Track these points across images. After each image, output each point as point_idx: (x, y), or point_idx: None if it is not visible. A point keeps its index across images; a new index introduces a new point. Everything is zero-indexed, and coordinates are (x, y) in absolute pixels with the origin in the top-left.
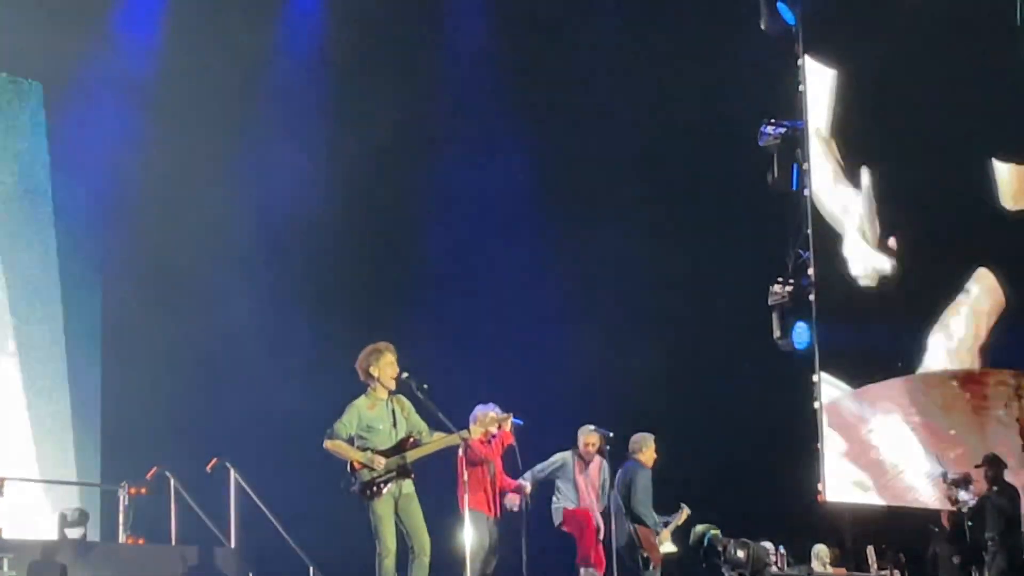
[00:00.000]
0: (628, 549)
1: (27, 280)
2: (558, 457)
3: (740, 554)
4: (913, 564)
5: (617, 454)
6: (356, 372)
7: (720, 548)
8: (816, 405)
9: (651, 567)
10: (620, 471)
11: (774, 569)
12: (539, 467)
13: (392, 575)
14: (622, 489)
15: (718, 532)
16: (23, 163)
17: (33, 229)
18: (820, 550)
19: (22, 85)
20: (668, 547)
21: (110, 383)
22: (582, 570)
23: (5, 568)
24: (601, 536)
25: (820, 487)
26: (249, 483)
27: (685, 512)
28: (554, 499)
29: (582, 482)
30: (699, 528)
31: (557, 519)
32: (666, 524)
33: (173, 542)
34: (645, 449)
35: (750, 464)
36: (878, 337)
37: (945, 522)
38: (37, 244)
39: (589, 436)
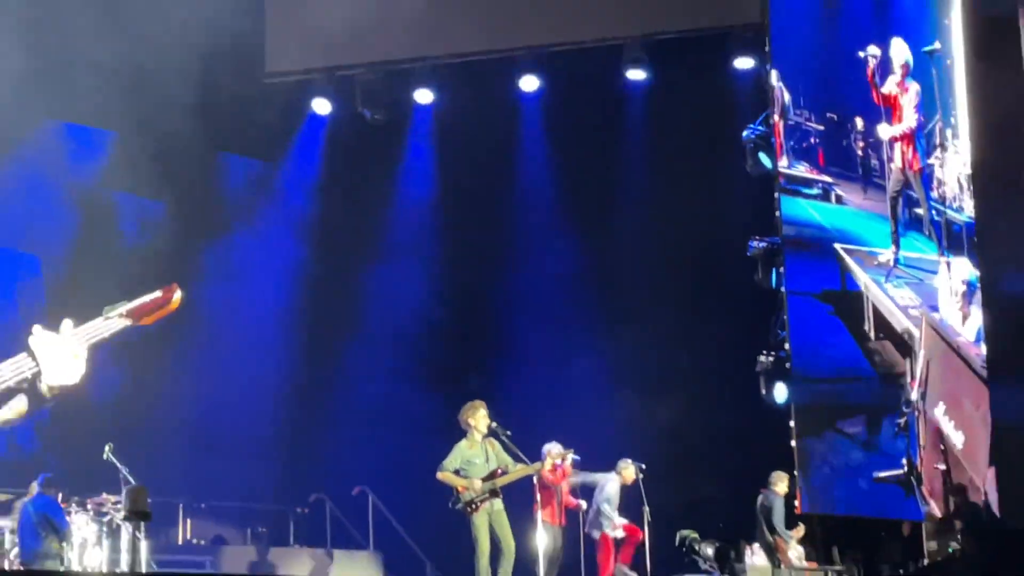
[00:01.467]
0: (768, 553)
1: None
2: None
3: (709, 551)
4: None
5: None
6: (458, 423)
7: (696, 547)
8: (792, 443)
9: (781, 566)
10: (760, 497)
11: (738, 565)
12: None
13: (487, 571)
14: (763, 512)
15: (696, 535)
16: None
17: None
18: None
19: None
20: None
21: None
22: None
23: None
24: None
25: (797, 502)
26: (384, 504)
27: (800, 528)
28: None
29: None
30: (682, 532)
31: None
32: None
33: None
34: (779, 483)
35: (748, 484)
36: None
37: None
38: None
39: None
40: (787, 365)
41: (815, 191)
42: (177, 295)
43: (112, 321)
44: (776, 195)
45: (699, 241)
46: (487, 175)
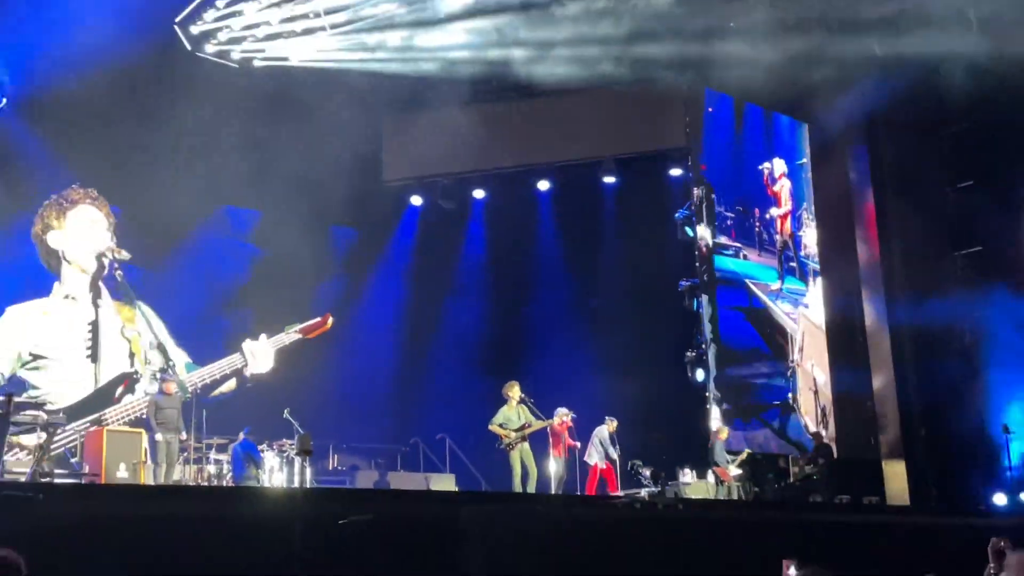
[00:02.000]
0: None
1: None
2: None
3: (647, 472)
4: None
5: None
6: (501, 394)
7: (639, 470)
8: (708, 407)
9: (722, 483)
10: (709, 442)
11: (671, 482)
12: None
13: (519, 486)
14: (711, 451)
15: (640, 462)
16: None
17: None
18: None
19: None
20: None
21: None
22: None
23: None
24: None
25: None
26: (456, 444)
27: (745, 452)
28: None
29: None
30: (631, 461)
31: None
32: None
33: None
34: (721, 432)
35: (680, 432)
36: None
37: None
38: None
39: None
40: (704, 358)
41: (731, 252)
42: (330, 320)
43: (290, 335)
44: (707, 255)
45: (649, 281)
46: (517, 243)
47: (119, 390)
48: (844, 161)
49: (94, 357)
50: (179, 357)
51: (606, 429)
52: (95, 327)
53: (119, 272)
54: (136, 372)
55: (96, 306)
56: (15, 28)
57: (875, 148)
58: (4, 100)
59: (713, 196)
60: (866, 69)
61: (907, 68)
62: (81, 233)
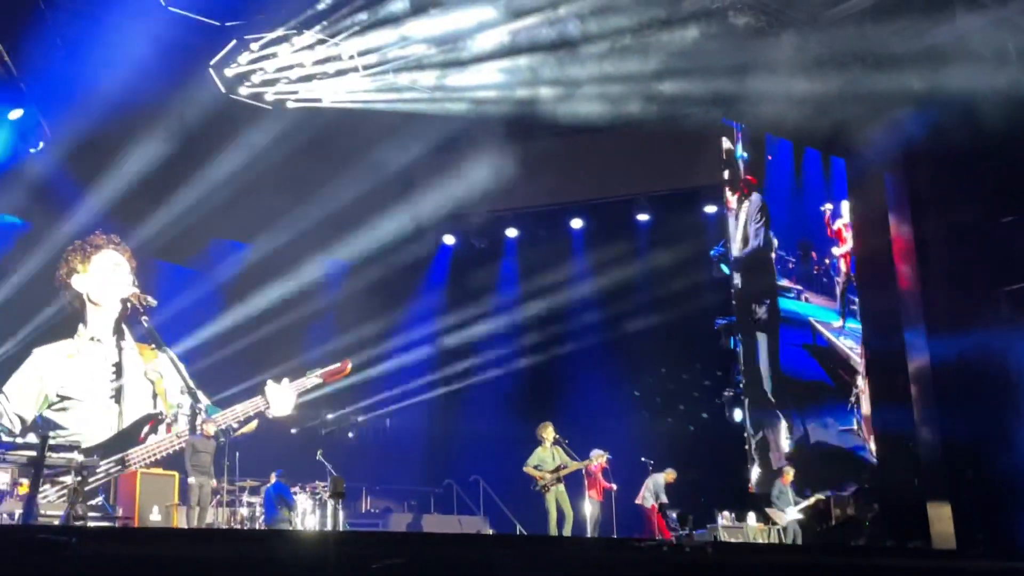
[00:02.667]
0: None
1: None
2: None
3: (673, 514)
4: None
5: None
6: (535, 436)
7: (666, 511)
8: (747, 447)
9: (772, 523)
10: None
11: (710, 525)
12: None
13: (555, 530)
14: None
15: (667, 502)
16: None
17: None
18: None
19: None
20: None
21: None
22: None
23: None
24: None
25: (750, 485)
26: (490, 487)
27: (815, 498)
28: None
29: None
30: (660, 503)
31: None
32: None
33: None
34: (787, 475)
35: (716, 471)
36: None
37: None
38: None
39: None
40: (742, 397)
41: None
42: (349, 367)
43: (311, 379)
44: (732, 290)
45: (684, 319)
46: (550, 279)
47: (144, 430)
48: (881, 196)
49: (118, 398)
50: (202, 399)
51: (663, 478)
52: (119, 368)
53: (145, 319)
54: (161, 413)
55: (120, 348)
56: (53, 72)
57: (913, 182)
58: (41, 144)
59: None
60: (903, 103)
61: (945, 101)
62: (105, 277)
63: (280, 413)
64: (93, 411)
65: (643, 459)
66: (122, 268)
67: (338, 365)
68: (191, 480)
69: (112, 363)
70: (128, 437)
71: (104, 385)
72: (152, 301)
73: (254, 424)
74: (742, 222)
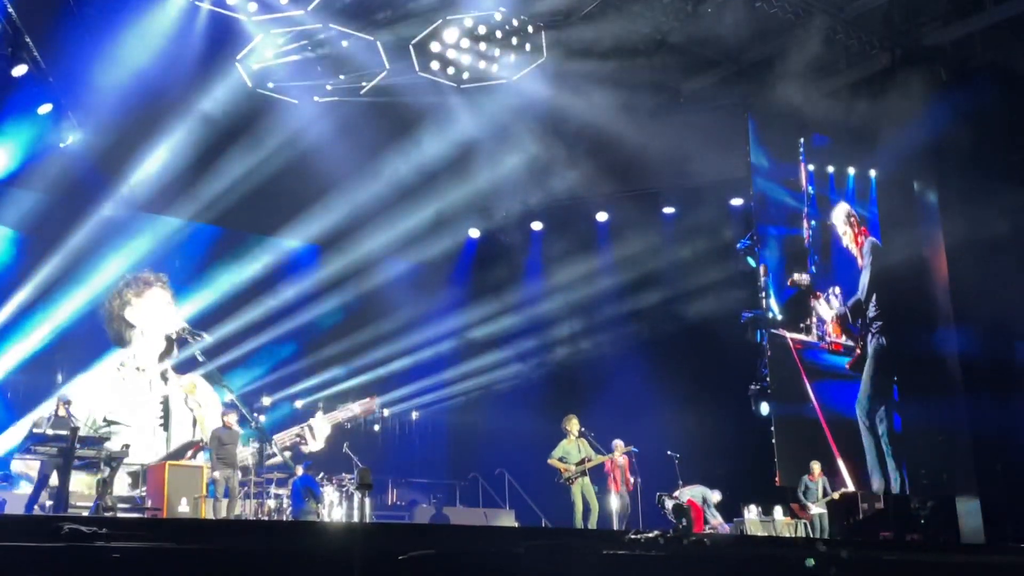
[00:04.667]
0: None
1: None
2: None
3: (669, 505)
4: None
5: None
6: (560, 428)
7: (663, 503)
8: (773, 441)
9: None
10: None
11: (736, 519)
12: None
13: (580, 522)
14: (801, 489)
15: (665, 494)
16: None
17: None
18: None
19: None
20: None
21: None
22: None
23: None
24: None
25: (777, 479)
26: (515, 479)
27: (838, 493)
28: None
29: None
30: (658, 494)
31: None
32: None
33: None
34: (814, 470)
35: (743, 465)
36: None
37: None
38: None
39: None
40: (768, 391)
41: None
42: (376, 404)
43: (344, 413)
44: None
45: (710, 312)
46: (575, 272)
47: (188, 454)
48: (912, 190)
49: (166, 426)
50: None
51: (713, 497)
52: (166, 399)
53: (200, 356)
54: (201, 440)
55: (165, 379)
56: (82, 68)
57: (943, 176)
58: (71, 138)
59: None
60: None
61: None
62: (157, 313)
63: (316, 448)
64: (141, 436)
65: (669, 452)
66: (171, 307)
67: (367, 400)
68: (216, 474)
69: (160, 393)
70: (173, 460)
71: (152, 412)
72: (208, 338)
73: (284, 456)
74: None
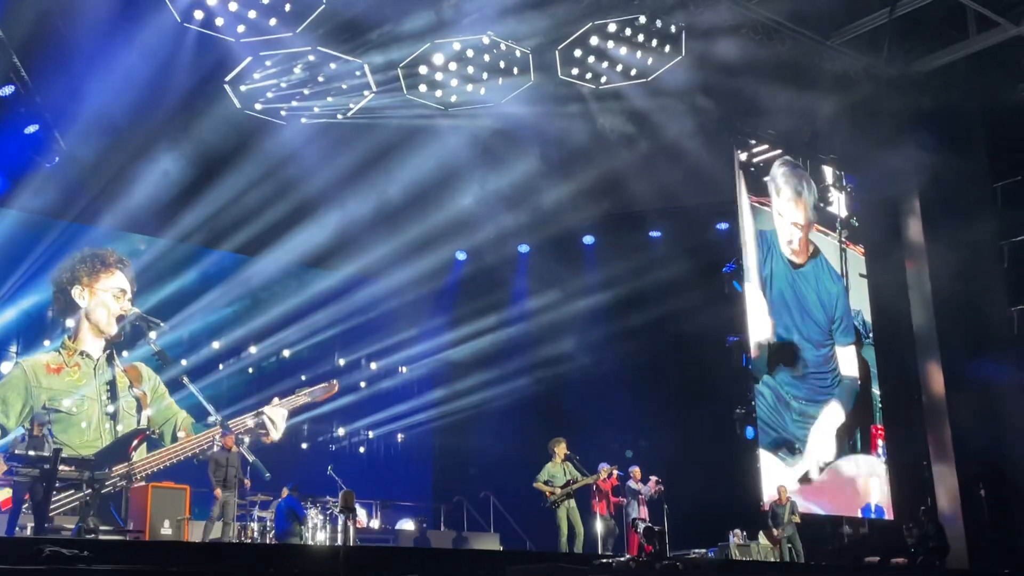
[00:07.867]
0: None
1: None
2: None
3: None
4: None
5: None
6: (546, 451)
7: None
8: (758, 465)
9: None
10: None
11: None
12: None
13: (565, 546)
14: (770, 514)
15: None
16: None
17: None
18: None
19: None
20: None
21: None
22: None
23: None
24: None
25: (762, 502)
26: (499, 503)
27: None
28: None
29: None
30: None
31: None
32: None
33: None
34: (781, 495)
35: (726, 487)
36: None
37: None
38: None
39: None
40: (753, 415)
41: None
42: (337, 386)
43: (300, 398)
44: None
45: (696, 335)
46: (561, 294)
47: (134, 443)
48: (894, 218)
49: (114, 414)
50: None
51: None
52: (112, 385)
53: (156, 346)
54: (148, 429)
55: (111, 365)
56: (68, 88)
57: (925, 202)
58: (57, 159)
59: None
60: (915, 120)
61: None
62: (109, 299)
63: (276, 436)
64: (86, 425)
65: (651, 476)
66: (126, 293)
67: (325, 385)
68: (217, 493)
69: (105, 380)
70: (118, 451)
71: (96, 400)
72: (163, 325)
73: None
74: None
